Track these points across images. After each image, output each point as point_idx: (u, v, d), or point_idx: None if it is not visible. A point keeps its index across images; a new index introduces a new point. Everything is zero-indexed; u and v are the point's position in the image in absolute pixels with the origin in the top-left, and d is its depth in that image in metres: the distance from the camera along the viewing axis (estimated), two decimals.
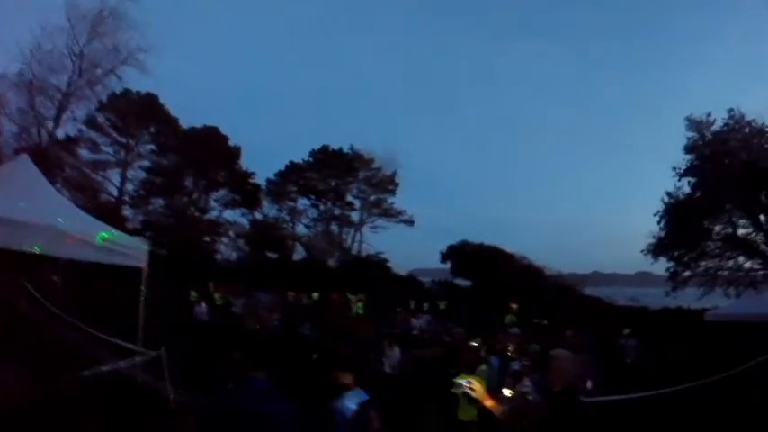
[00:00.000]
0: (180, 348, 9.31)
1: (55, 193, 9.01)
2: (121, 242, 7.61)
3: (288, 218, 38.94)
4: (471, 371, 8.24)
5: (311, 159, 38.76)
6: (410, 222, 39.32)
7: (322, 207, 39.17)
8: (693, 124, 28.58)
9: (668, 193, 29.07)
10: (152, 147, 35.09)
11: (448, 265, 34.87)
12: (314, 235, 38.90)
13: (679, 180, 28.76)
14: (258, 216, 37.97)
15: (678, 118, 29.87)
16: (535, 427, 4.15)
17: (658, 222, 29.13)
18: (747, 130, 27.51)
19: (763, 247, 26.99)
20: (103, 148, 33.45)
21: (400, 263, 37.15)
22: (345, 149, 38.92)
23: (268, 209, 38.42)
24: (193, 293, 17.21)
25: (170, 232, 31.75)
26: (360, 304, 20.03)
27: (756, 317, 17.19)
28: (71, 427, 6.33)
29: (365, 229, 39.32)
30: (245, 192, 36.91)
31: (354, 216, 39.50)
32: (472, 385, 4.16)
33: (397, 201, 39.54)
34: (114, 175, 34.03)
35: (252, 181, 37.53)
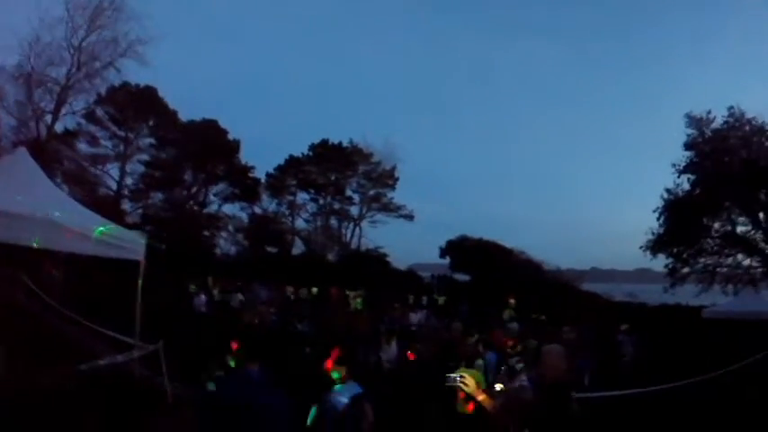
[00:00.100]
0: (178, 342, 9.33)
1: (53, 187, 9.01)
2: (119, 236, 7.62)
3: (287, 212, 38.91)
4: (469, 365, 8.28)
5: (311, 153, 38.67)
6: (410, 217, 39.30)
7: (321, 201, 39.13)
8: (693, 121, 28.51)
9: (667, 190, 29.03)
10: (151, 140, 35.03)
11: (447, 260, 34.92)
12: (313, 229, 38.91)
13: (678, 177, 28.72)
14: (257, 210, 37.97)
15: (677, 115, 29.87)
16: (526, 421, 4.16)
17: (657, 219, 29.12)
18: (747, 128, 27.47)
19: (762, 245, 27.02)
20: (102, 141, 33.41)
21: (400, 258, 37.27)
22: (345, 144, 38.90)
23: (267, 203, 38.39)
24: (193, 286, 17.21)
25: (169, 226, 31.74)
26: (359, 300, 20.00)
27: (754, 314, 17.31)
28: (68, 421, 6.34)
29: (364, 223, 39.28)
30: (244, 186, 36.86)
31: (354, 210, 39.49)
32: (464, 380, 4.16)
33: (397, 195, 39.50)
34: (113, 169, 34.03)
35: (251, 175, 37.45)
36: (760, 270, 27.09)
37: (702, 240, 28.55)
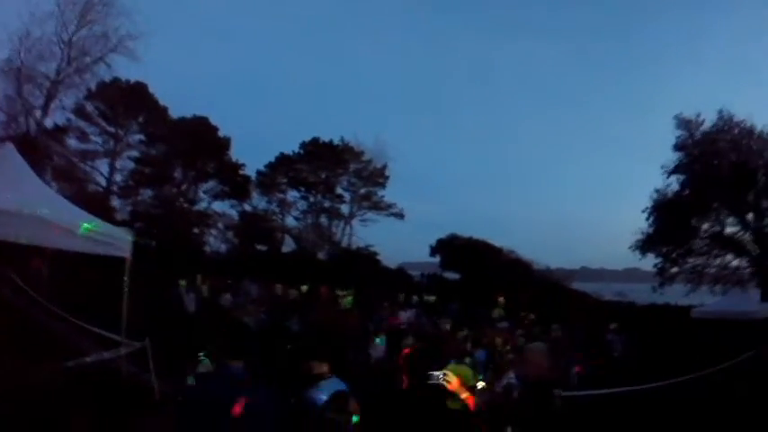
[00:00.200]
0: (166, 339, 9.30)
1: (40, 183, 8.95)
2: (105, 232, 7.58)
3: (277, 210, 38.72)
4: (459, 362, 8.30)
5: (301, 151, 38.52)
6: (400, 216, 39.20)
7: (312, 199, 38.96)
8: (683, 123, 28.72)
9: (657, 191, 29.29)
10: (141, 137, 34.74)
11: (437, 259, 34.99)
12: (303, 227, 38.82)
13: (668, 178, 28.97)
14: (247, 208, 37.72)
15: (667, 116, 30.12)
16: (509, 419, 4.16)
17: (646, 219, 29.37)
18: (736, 131, 27.69)
19: (750, 246, 27.24)
20: (92, 137, 33.05)
21: (390, 256, 37.14)
22: (336, 142, 38.81)
23: (257, 201, 38.11)
24: (182, 282, 17.12)
25: (159, 223, 31.55)
26: (348, 298, 19.99)
27: (742, 314, 17.47)
28: (55, 418, 6.31)
29: (355, 221, 39.14)
30: (234, 183, 36.66)
31: (344, 209, 39.28)
32: (447, 377, 4.15)
33: (388, 194, 39.36)
34: (103, 165, 33.67)
35: (241, 172, 37.22)
36: (748, 270, 27.33)
37: (691, 241, 28.77)
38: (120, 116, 33.34)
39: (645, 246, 29.36)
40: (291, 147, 38.92)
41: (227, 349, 4.08)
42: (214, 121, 36.47)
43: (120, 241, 7.94)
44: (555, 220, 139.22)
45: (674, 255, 28.99)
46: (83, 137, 32.61)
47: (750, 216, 27.20)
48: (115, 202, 33.42)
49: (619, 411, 9.48)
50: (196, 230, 35.24)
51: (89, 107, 32.13)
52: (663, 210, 28.59)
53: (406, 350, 10.21)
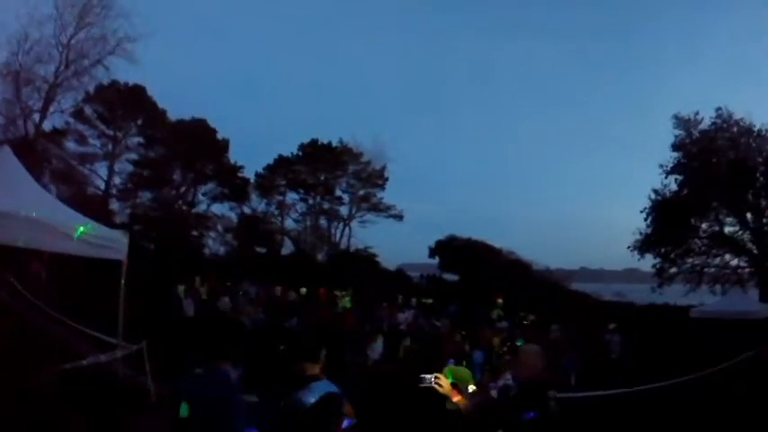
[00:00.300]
0: (163, 342, 9.30)
1: (36, 186, 8.94)
2: (101, 235, 7.58)
3: (276, 212, 38.76)
4: (456, 364, 8.29)
5: (300, 153, 38.52)
6: (399, 217, 39.22)
7: (311, 201, 38.99)
8: (681, 122, 28.72)
9: (655, 191, 29.26)
10: (140, 139, 34.74)
11: (436, 260, 35.00)
12: (302, 229, 38.82)
13: (666, 177, 28.95)
14: (246, 210, 37.75)
15: (665, 116, 29.99)
16: (501, 421, 4.14)
17: (645, 219, 29.35)
18: (735, 129, 27.70)
19: (749, 245, 27.23)
20: (90, 140, 33.03)
21: (389, 258, 37.18)
22: (335, 143, 38.81)
23: (256, 203, 38.15)
24: (180, 287, 17.10)
25: (157, 226, 31.56)
26: (346, 299, 20.01)
27: (741, 314, 17.45)
28: (52, 420, 6.30)
29: (354, 223, 39.19)
30: (233, 185, 36.66)
31: (343, 210, 39.35)
32: (438, 380, 4.13)
33: (387, 195, 39.38)
34: (101, 168, 33.70)
35: (240, 174, 37.22)
36: (747, 270, 27.32)
37: (690, 240, 28.77)
38: (119, 119, 33.34)
39: (644, 246, 29.35)
40: (290, 148, 38.97)
41: (218, 350, 4.07)
42: (213, 123, 36.51)
43: (116, 244, 7.94)
44: (554, 221, 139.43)
45: (672, 255, 28.99)
46: (81, 140, 32.61)
47: (749, 215, 27.18)
48: (114, 204, 33.53)
49: (618, 412, 9.48)
50: (195, 233, 35.27)
51: (87, 110, 32.14)
52: (661, 210, 28.56)
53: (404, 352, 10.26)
